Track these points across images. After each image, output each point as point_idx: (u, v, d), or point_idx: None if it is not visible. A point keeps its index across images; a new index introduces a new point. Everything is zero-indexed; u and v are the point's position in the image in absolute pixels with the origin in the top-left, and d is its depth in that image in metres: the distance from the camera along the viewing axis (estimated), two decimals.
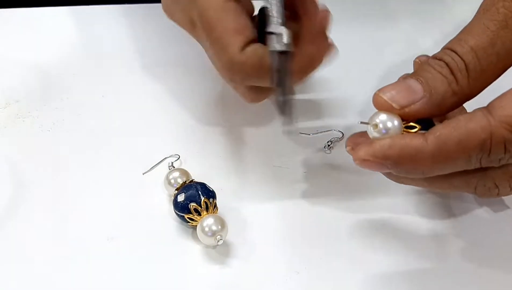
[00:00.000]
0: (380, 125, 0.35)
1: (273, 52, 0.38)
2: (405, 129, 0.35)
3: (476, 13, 0.36)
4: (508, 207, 0.44)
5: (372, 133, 0.35)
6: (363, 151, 0.35)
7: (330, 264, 0.41)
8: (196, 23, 0.42)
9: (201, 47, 0.44)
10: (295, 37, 0.40)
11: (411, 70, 0.40)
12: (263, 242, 0.42)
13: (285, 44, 0.38)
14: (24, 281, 0.39)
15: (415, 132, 0.35)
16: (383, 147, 0.34)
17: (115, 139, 0.47)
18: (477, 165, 0.35)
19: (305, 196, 0.44)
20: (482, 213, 0.43)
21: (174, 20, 0.46)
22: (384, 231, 0.42)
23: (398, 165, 0.34)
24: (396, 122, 0.35)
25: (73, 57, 0.54)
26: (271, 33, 0.39)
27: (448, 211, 0.43)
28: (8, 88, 0.51)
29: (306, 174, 0.46)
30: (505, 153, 0.34)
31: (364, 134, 0.37)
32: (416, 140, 0.34)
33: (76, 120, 0.49)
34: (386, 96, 0.35)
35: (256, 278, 0.40)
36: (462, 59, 0.35)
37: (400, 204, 0.44)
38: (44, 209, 0.43)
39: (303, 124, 0.49)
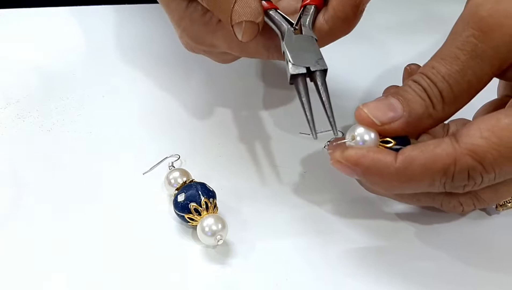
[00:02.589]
0: (358, 138, 0.37)
1: (316, 71, 0.39)
2: (380, 144, 0.37)
3: (448, 36, 0.37)
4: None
5: (350, 144, 0.37)
6: (338, 153, 0.37)
7: (330, 264, 0.41)
8: None
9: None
10: None
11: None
12: (263, 242, 0.42)
13: (324, 62, 0.39)
14: (24, 281, 0.39)
15: (390, 147, 0.37)
16: (356, 154, 0.36)
17: (115, 139, 0.47)
18: (441, 189, 0.36)
19: (305, 196, 0.44)
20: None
21: None
22: (385, 231, 0.42)
23: (365, 175, 0.36)
24: (372, 135, 0.37)
25: (73, 57, 0.54)
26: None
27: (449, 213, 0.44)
28: (8, 88, 0.51)
29: (306, 174, 0.46)
30: (468, 180, 0.35)
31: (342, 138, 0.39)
32: (387, 157, 0.36)
33: (76, 120, 0.49)
34: (369, 112, 0.37)
35: (256, 278, 0.40)
36: (436, 86, 0.36)
37: (401, 205, 0.44)
38: (44, 209, 0.43)
39: (303, 124, 0.49)
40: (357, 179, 0.40)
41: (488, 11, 0.35)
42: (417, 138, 0.40)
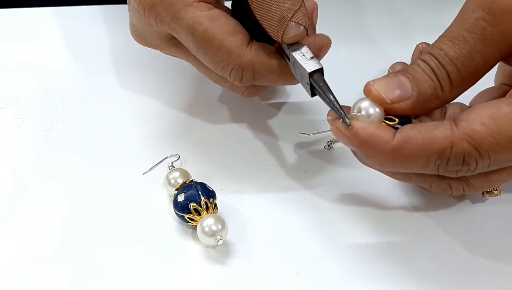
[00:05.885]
0: (363, 111, 0.37)
1: (311, 72, 0.39)
2: (384, 120, 0.37)
3: (457, 15, 0.37)
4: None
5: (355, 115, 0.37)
6: (340, 122, 0.37)
7: (330, 264, 0.41)
8: (183, 41, 0.42)
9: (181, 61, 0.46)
10: None
11: None
12: (263, 242, 0.42)
13: (318, 62, 0.39)
14: (24, 281, 0.39)
15: (393, 125, 0.37)
16: (356, 126, 0.36)
17: (115, 139, 0.47)
18: (435, 172, 0.36)
19: (305, 196, 0.44)
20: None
21: (148, 45, 0.46)
22: (385, 231, 0.42)
23: (361, 147, 0.36)
24: (378, 110, 0.37)
25: (73, 57, 0.54)
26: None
27: (452, 208, 0.44)
28: (8, 88, 0.51)
29: (306, 174, 0.46)
30: (463, 165, 0.35)
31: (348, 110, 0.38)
32: (386, 133, 0.36)
33: (76, 120, 0.49)
34: (380, 89, 0.37)
35: (256, 278, 0.40)
36: (444, 68, 0.36)
37: (401, 203, 0.44)
38: (44, 209, 0.43)
39: (303, 124, 0.49)
40: (352, 150, 0.40)
41: None
42: (415, 118, 0.39)
